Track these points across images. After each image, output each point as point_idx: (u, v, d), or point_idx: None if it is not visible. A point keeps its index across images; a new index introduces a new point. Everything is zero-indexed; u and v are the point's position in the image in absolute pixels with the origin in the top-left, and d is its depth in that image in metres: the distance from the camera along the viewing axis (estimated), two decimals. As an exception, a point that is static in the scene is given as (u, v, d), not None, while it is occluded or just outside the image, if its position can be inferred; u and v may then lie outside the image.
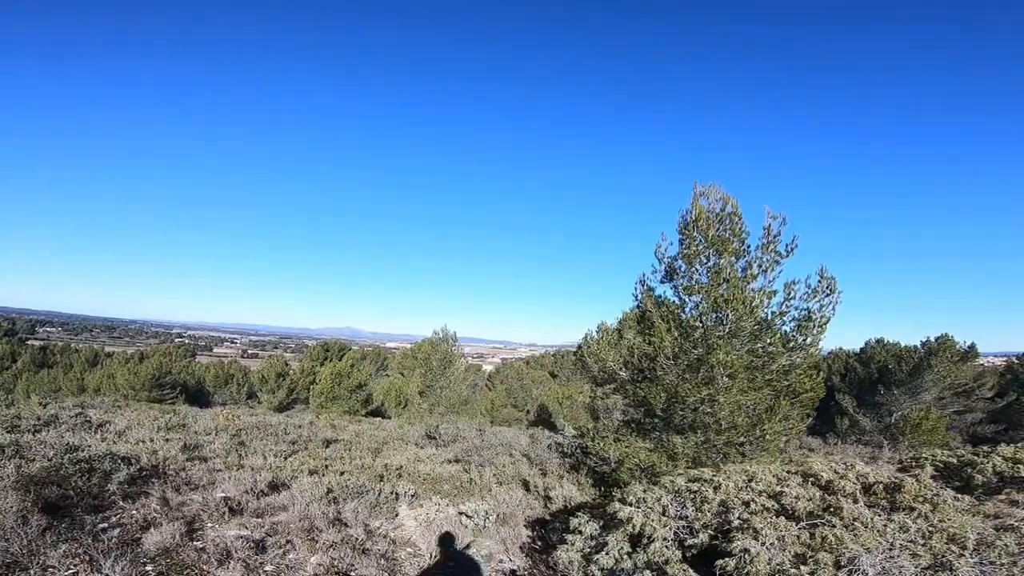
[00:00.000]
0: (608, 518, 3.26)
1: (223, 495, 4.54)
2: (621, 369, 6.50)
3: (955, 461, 5.15)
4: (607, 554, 2.76)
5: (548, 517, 5.14)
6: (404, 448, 8.90)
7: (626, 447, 6.02)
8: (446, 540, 4.36)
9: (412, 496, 5.91)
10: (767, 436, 5.34)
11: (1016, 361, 21.36)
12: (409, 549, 4.21)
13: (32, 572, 2.65)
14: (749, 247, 5.90)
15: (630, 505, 3.15)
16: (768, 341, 5.78)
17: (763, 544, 2.50)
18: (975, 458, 5.03)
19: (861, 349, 20.43)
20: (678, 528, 2.95)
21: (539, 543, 4.49)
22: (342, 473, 6.31)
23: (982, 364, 21.25)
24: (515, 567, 3.89)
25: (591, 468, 6.67)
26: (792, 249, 5.74)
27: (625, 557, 2.73)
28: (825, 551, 2.47)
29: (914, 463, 4.15)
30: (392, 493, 5.60)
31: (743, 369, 5.26)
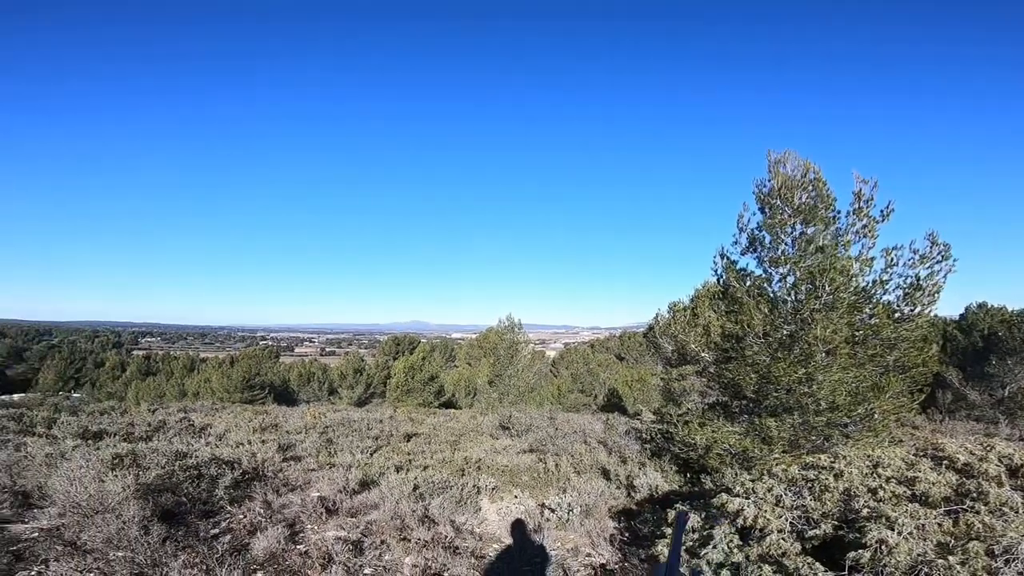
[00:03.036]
0: (712, 509, 3.07)
1: (319, 495, 4.70)
2: (703, 351, 6.17)
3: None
4: (715, 548, 2.58)
5: (634, 507, 4.97)
6: (480, 439, 8.98)
7: (714, 432, 5.71)
8: (529, 534, 4.31)
9: (492, 489, 5.93)
10: (875, 415, 4.88)
11: None
12: (496, 545, 4.19)
13: None
14: (839, 213, 5.42)
15: (738, 496, 2.94)
16: (868, 313, 5.29)
17: (900, 534, 2.23)
18: None
19: (961, 315, 18.51)
20: (794, 519, 2.71)
21: (627, 535, 4.34)
22: (425, 468, 6.43)
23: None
24: (604, 561, 3.76)
25: (675, 454, 6.41)
26: (888, 214, 5.22)
27: (735, 551, 2.55)
28: (974, 539, 2.17)
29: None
30: (474, 487, 5.63)
31: (844, 344, 4.82)
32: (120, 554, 3.08)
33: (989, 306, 17.58)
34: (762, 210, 5.73)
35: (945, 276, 5.02)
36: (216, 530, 3.77)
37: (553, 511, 4.50)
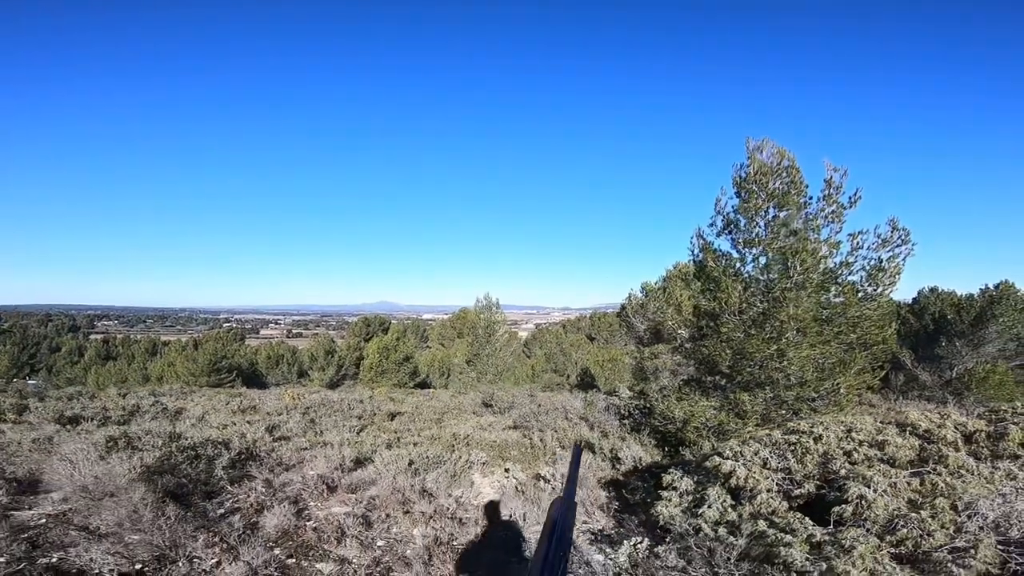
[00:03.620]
0: (703, 472, 3.34)
1: (316, 473, 4.81)
2: (680, 328, 6.48)
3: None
4: (711, 507, 2.84)
5: (620, 478, 5.26)
6: (464, 417, 9.18)
7: (691, 406, 6.05)
8: (525, 504, 4.53)
9: (483, 464, 6.14)
10: (841, 390, 5.29)
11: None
12: (495, 515, 4.40)
13: (180, 564, 2.84)
14: (810, 199, 5.76)
15: (728, 459, 3.21)
16: (834, 292, 5.68)
17: (875, 491, 2.53)
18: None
19: (914, 299, 19.60)
20: (779, 480, 3.01)
21: (617, 503, 4.61)
22: (414, 445, 6.59)
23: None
24: (601, 526, 4.02)
25: (654, 429, 6.75)
26: (856, 200, 5.60)
27: (729, 509, 2.81)
28: (940, 496, 2.48)
29: (993, 416, 4.06)
30: (467, 462, 5.83)
31: (813, 322, 5.18)
32: (136, 537, 3.12)
33: (940, 290, 18.58)
34: (739, 194, 6.02)
35: (904, 259, 5.44)
36: (222, 510, 3.83)
37: (548, 481, 4.73)
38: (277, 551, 3.12)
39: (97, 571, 2.76)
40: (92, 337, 50.30)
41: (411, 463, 5.35)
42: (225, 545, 3.06)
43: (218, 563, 2.89)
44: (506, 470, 6.07)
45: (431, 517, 3.94)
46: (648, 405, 7.28)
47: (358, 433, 7.30)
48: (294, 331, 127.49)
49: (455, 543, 3.56)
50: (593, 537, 3.69)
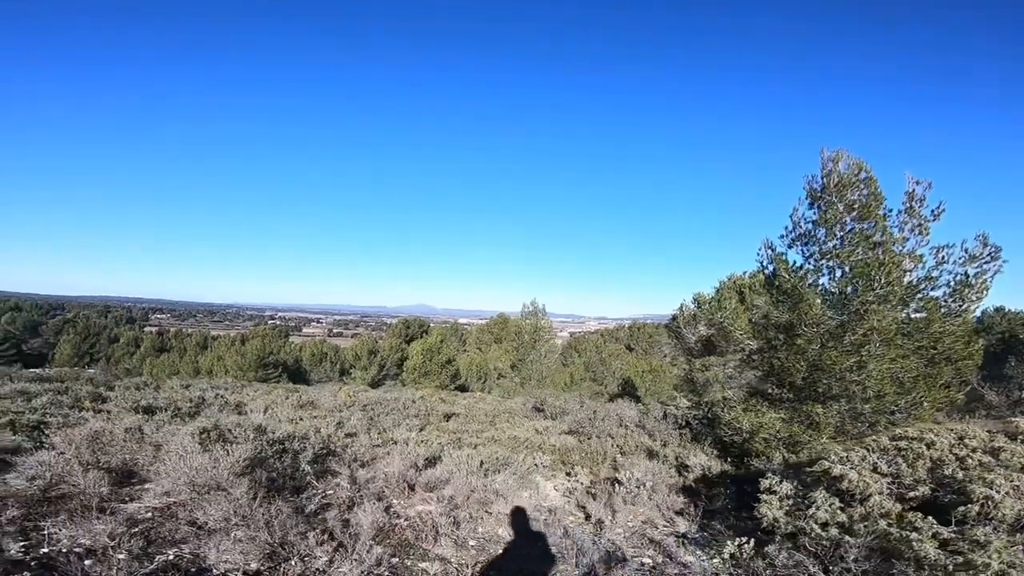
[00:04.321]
0: (806, 476, 3.36)
1: (394, 471, 4.96)
2: (748, 339, 6.40)
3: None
4: (819, 509, 2.85)
5: (692, 485, 5.24)
6: (516, 421, 9.28)
7: (758, 417, 5.97)
8: (600, 507, 4.57)
9: (545, 467, 6.21)
10: (924, 404, 5.14)
11: None
12: (571, 517, 4.45)
13: (293, 562, 2.90)
14: (889, 211, 5.64)
15: (833, 464, 3.22)
16: (915, 307, 5.53)
17: (999, 493, 2.53)
18: None
19: (977, 319, 18.97)
20: (887, 484, 3.01)
21: (693, 509, 4.57)
22: (474, 447, 6.72)
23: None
24: (684, 531, 4.01)
25: (716, 439, 6.68)
26: (939, 214, 5.45)
27: (839, 511, 2.81)
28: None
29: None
30: (533, 464, 5.91)
31: (896, 335, 5.05)
32: (241, 532, 3.22)
33: (1007, 310, 18.15)
34: (813, 205, 5.93)
35: (993, 276, 5.25)
36: (313, 505, 3.95)
37: (621, 484, 4.75)
38: (378, 549, 3.19)
39: (214, 569, 2.78)
40: (147, 329, 52.85)
41: (482, 463, 5.46)
42: (335, 543, 3.16)
43: (331, 561, 2.95)
44: (567, 474, 6.12)
45: (512, 517, 4.01)
46: (710, 416, 7.20)
47: (419, 432, 7.48)
48: (335, 330, 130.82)
49: (540, 543, 3.63)
50: (680, 540, 3.71)
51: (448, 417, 9.41)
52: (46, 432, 5.73)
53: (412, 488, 4.68)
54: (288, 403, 10.23)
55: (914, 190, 5.44)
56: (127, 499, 3.87)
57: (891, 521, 2.60)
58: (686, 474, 5.58)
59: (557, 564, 3.25)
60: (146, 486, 4.25)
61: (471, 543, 3.55)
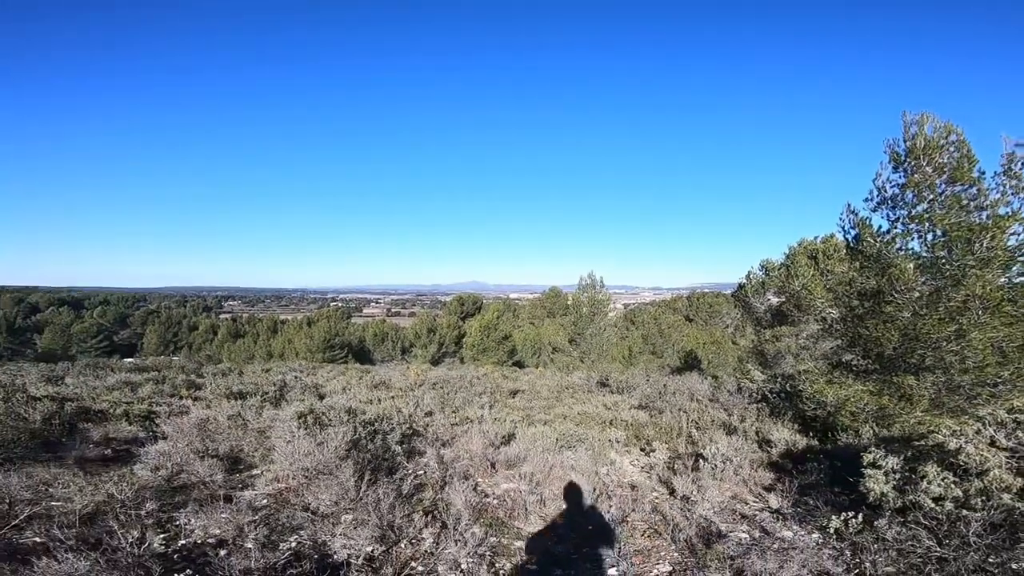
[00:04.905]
0: (905, 451, 3.25)
1: (475, 449, 5.14)
2: (831, 307, 6.11)
3: None
4: (931, 483, 2.75)
5: (777, 460, 5.13)
6: (582, 397, 9.34)
7: (843, 390, 5.74)
8: (685, 483, 4.56)
9: (619, 443, 6.24)
10: (1032, 374, 4.78)
11: None
12: (654, 493, 4.47)
13: (403, 545, 3.05)
14: (983, 173, 5.20)
15: (944, 437, 3.09)
16: (1016, 271, 5.12)
17: None
18: None
19: None
20: (1005, 458, 2.86)
21: (783, 485, 4.47)
22: (546, 423, 6.84)
23: None
24: (778, 506, 3.95)
25: (797, 413, 6.48)
26: None
27: (952, 486, 2.70)
28: None
29: None
30: (608, 440, 5.97)
31: (1005, 302, 4.69)
32: (350, 516, 3.41)
33: None
34: (897, 168, 5.57)
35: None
36: (407, 486, 4.12)
37: (705, 459, 4.71)
38: (476, 528, 3.33)
39: (334, 555, 2.90)
40: (221, 317, 56.43)
41: (557, 440, 5.57)
42: (441, 523, 3.30)
43: (436, 542, 3.09)
44: (641, 449, 6.13)
45: (600, 496, 4.09)
46: (789, 389, 6.98)
47: (489, 409, 7.67)
48: (392, 310, 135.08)
49: (629, 518, 3.68)
50: (771, 515, 3.68)
51: (514, 394, 9.60)
52: (156, 421, 6.31)
53: (493, 466, 4.85)
54: (363, 384, 10.72)
55: (1013, 151, 5.01)
56: (239, 486, 4.11)
57: (1013, 496, 2.47)
58: (768, 449, 5.47)
59: (652, 540, 3.30)
60: (253, 472, 4.58)
61: (560, 521, 3.65)
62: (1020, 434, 2.92)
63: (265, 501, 3.76)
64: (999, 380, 5.05)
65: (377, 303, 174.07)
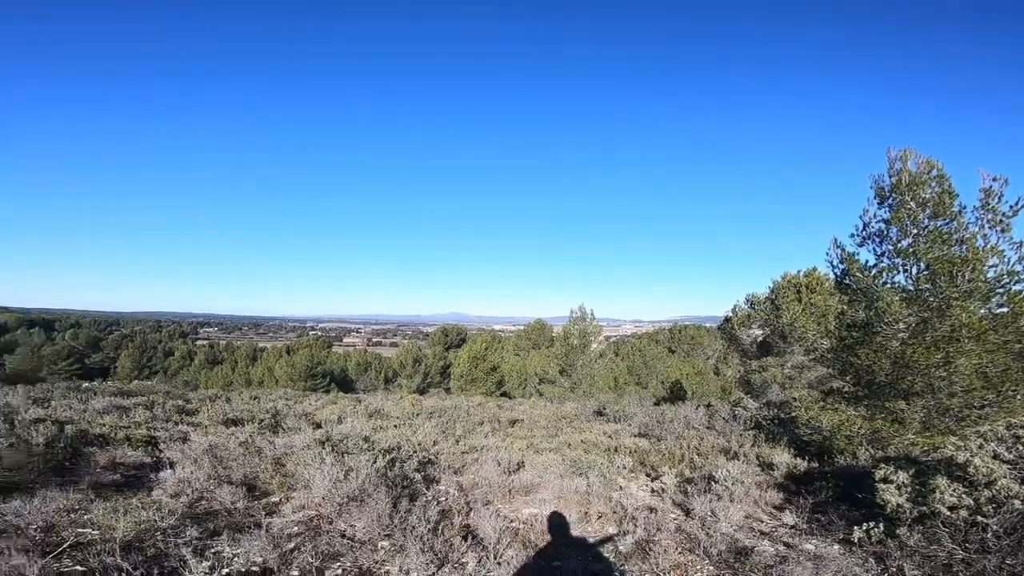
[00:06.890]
0: (920, 467, 3.51)
1: (490, 476, 5.23)
2: (822, 338, 6.45)
3: None
4: (943, 494, 2.98)
5: (782, 482, 5.34)
6: (582, 425, 9.46)
7: (838, 415, 6.03)
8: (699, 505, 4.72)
9: (625, 469, 6.38)
10: (1017, 398, 5.14)
11: None
12: (672, 515, 4.61)
13: (446, 569, 3.11)
14: (964, 208, 5.67)
15: (949, 452, 3.35)
16: (997, 302, 5.54)
17: None
18: None
19: None
20: (1007, 470, 3.12)
21: (795, 503, 4.63)
22: (551, 451, 6.94)
23: None
24: (792, 523, 4.13)
25: (793, 438, 6.74)
26: (1018, 209, 5.44)
27: (964, 496, 2.94)
28: None
29: None
30: (619, 467, 6.11)
31: (988, 330, 5.08)
32: (387, 543, 3.46)
33: None
34: (882, 204, 6.00)
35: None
36: (431, 512, 4.17)
37: (716, 482, 4.89)
38: (510, 551, 3.40)
39: None
40: (198, 343, 55.02)
41: (572, 464, 5.69)
42: (481, 547, 3.37)
43: (480, 564, 3.13)
44: (647, 475, 6.28)
45: (622, 519, 4.22)
46: (782, 415, 7.26)
47: (486, 437, 7.75)
48: (373, 339, 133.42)
49: (655, 540, 3.81)
50: (792, 531, 3.87)
51: (513, 423, 9.67)
52: (159, 447, 6.23)
53: (510, 492, 4.94)
54: (358, 413, 10.66)
55: (991, 187, 5.46)
56: (263, 512, 4.01)
57: (1023, 502, 2.72)
58: (771, 472, 5.68)
59: (685, 556, 3.45)
60: (271, 499, 4.56)
61: (590, 541, 3.77)
62: (1021, 447, 3.20)
63: (296, 528, 3.78)
64: (985, 403, 5.41)
65: (357, 332, 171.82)
